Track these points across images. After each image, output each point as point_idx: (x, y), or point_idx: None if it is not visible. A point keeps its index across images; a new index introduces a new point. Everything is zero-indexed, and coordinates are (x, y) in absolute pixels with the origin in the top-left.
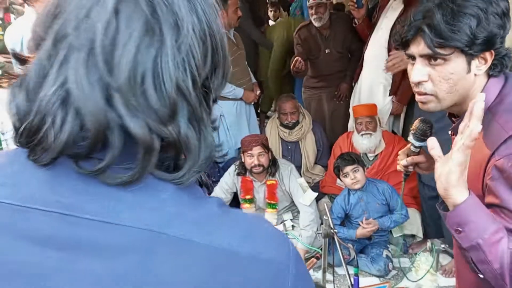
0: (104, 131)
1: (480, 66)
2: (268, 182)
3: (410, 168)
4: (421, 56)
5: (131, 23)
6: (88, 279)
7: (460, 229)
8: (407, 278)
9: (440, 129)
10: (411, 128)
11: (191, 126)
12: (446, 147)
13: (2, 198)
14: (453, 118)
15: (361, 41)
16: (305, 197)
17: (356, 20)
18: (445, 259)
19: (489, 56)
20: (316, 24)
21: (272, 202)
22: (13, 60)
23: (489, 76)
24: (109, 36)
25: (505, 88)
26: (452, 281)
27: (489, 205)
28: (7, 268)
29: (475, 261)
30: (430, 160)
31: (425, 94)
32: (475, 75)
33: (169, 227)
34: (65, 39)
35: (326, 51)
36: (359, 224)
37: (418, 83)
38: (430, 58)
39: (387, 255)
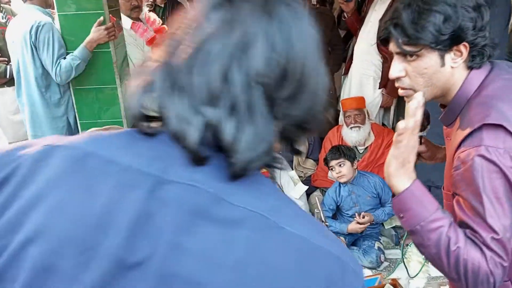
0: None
1: (455, 59)
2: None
3: None
4: (397, 53)
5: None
6: (207, 242)
7: (402, 215)
8: (407, 270)
9: (436, 121)
10: None
11: (232, 116)
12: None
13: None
14: (442, 109)
15: (341, 36)
16: (296, 190)
17: (345, 13)
18: None
19: (463, 49)
20: None
21: None
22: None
23: (470, 67)
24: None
25: (486, 79)
26: None
27: (454, 194)
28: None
29: (416, 244)
30: (432, 149)
31: (404, 88)
32: (452, 67)
33: (272, 215)
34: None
35: None
36: (350, 217)
37: (397, 78)
38: (405, 54)
39: (379, 247)
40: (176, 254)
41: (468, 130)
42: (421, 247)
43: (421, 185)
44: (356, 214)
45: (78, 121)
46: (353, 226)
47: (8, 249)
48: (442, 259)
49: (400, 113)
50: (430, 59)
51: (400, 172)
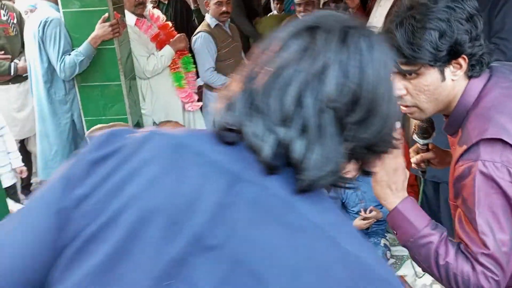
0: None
1: (455, 71)
2: None
3: (423, 165)
4: (395, 73)
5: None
6: (273, 241)
7: (395, 232)
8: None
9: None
10: (413, 127)
11: (303, 137)
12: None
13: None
14: (444, 119)
15: None
16: None
17: (350, 9)
18: None
19: (462, 61)
20: None
21: None
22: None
23: (469, 77)
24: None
25: (485, 88)
26: None
27: (457, 206)
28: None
29: (411, 256)
30: (441, 155)
31: (407, 106)
32: (453, 80)
33: (330, 230)
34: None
35: None
36: (356, 214)
37: (399, 97)
38: (405, 74)
39: (385, 244)
40: (246, 245)
41: (466, 145)
42: (415, 260)
43: (410, 204)
44: (362, 210)
45: (83, 118)
46: (358, 222)
47: (106, 212)
48: (434, 271)
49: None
50: (431, 76)
51: (387, 194)
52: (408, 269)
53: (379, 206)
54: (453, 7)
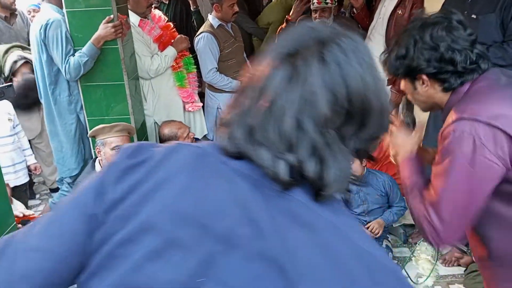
0: None
1: (423, 86)
2: None
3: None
4: None
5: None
6: (295, 240)
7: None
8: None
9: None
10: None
11: (314, 157)
12: None
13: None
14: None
15: None
16: None
17: (355, 9)
18: (444, 249)
19: (425, 78)
20: None
21: None
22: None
23: (447, 89)
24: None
25: (469, 89)
26: (452, 270)
27: None
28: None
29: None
30: (422, 153)
31: None
32: (425, 90)
33: (345, 228)
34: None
35: None
36: (358, 215)
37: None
38: None
39: (387, 245)
40: (274, 244)
41: (448, 114)
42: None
43: (406, 163)
44: (365, 215)
45: (86, 118)
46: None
47: (138, 216)
48: (410, 211)
49: (410, 109)
50: (404, 83)
51: (397, 158)
52: (410, 270)
53: (380, 208)
54: (417, 39)
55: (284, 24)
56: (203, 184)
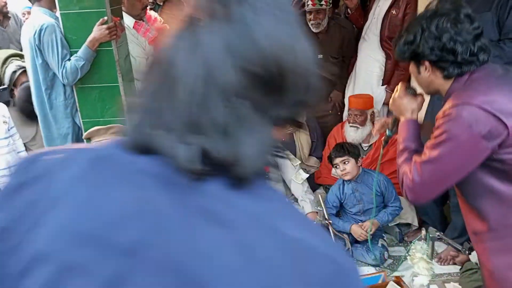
0: None
1: (425, 71)
2: None
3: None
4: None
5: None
6: (209, 242)
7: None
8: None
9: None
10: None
11: (222, 133)
12: None
13: None
14: None
15: (356, 47)
16: (297, 176)
17: (349, 9)
18: (440, 247)
19: (427, 64)
20: (313, 30)
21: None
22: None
23: (448, 76)
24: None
25: (469, 79)
26: (448, 268)
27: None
28: None
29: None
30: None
31: None
32: (428, 76)
33: (269, 217)
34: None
35: (319, 56)
36: (354, 215)
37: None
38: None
39: (382, 244)
40: (185, 252)
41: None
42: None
43: (406, 124)
44: (361, 215)
45: (80, 120)
46: (356, 229)
47: (29, 247)
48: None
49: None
50: (411, 66)
51: (400, 115)
52: (406, 270)
53: (376, 208)
54: (424, 27)
55: None
56: (103, 195)
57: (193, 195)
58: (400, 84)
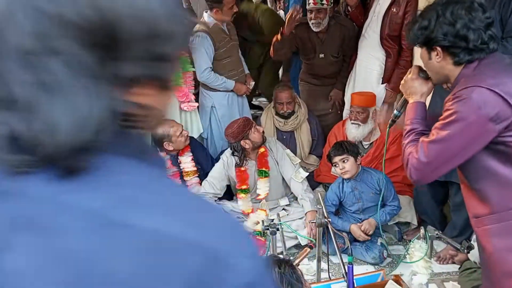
0: None
1: (436, 57)
2: (260, 151)
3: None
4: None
5: None
6: (32, 258)
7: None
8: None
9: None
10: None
11: (20, 107)
12: None
13: None
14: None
15: (356, 45)
16: (297, 175)
17: (349, 7)
18: (439, 246)
19: (439, 49)
20: (314, 29)
21: (264, 169)
22: None
23: (458, 63)
24: None
25: (477, 67)
26: (446, 267)
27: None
28: None
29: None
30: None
31: None
32: (438, 62)
33: (113, 211)
34: None
35: (320, 55)
36: (353, 213)
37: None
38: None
39: (381, 243)
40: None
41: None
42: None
43: (415, 106)
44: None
45: None
46: (356, 229)
47: None
48: (405, 161)
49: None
50: (422, 51)
51: (409, 98)
52: (405, 268)
53: (375, 206)
54: (440, 13)
55: (279, 37)
56: None
57: (11, 201)
58: (413, 66)
